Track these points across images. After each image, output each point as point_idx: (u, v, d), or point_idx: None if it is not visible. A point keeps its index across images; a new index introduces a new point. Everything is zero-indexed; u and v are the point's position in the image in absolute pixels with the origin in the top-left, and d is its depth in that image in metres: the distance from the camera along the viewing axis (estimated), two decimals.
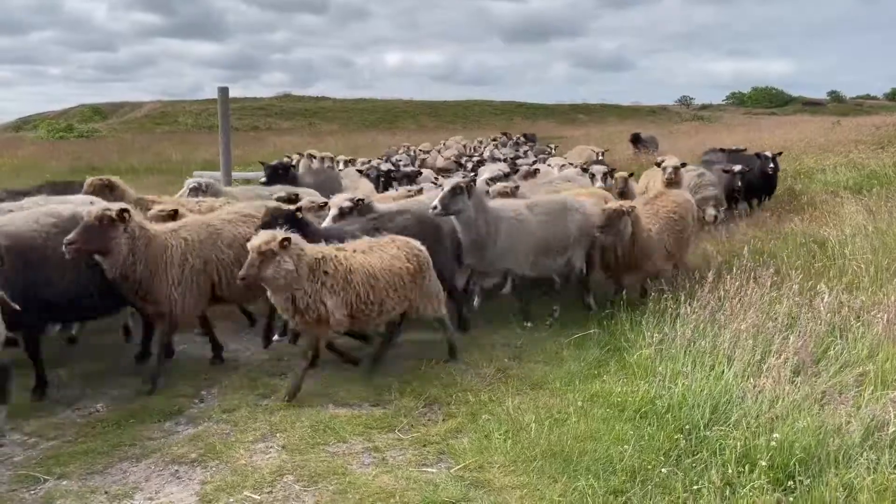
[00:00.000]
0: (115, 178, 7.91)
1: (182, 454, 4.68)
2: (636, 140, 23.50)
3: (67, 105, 56.37)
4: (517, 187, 9.04)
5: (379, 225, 6.64)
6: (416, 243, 6.06)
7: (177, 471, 4.48)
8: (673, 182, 10.00)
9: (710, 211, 10.98)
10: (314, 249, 5.47)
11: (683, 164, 10.48)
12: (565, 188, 9.45)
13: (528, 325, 7.35)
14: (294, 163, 13.25)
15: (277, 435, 4.94)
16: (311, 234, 5.99)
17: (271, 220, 5.82)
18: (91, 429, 5.07)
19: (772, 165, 12.71)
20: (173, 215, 6.54)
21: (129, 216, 5.50)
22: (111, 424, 5.12)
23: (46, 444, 4.89)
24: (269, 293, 5.41)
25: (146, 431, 5.03)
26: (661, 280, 7.67)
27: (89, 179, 7.79)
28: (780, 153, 13.40)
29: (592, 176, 10.12)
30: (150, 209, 6.80)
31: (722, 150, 14.82)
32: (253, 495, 4.15)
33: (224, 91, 11.89)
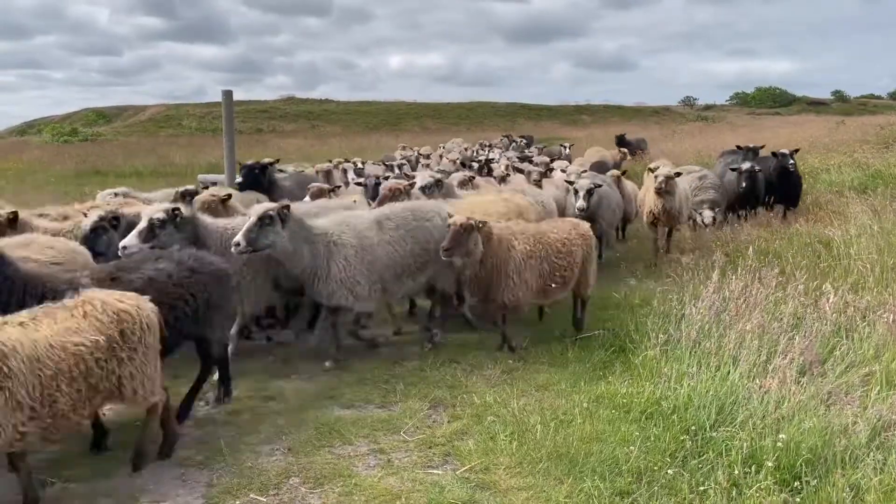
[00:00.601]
0: None
1: (188, 457, 4.69)
2: (622, 142, 22.35)
3: (71, 109, 56.80)
4: (411, 185, 8.06)
5: (118, 275, 4.70)
6: (130, 301, 4.14)
7: (183, 473, 4.48)
8: (664, 192, 9.59)
9: (707, 213, 10.84)
10: None
11: (678, 174, 10.04)
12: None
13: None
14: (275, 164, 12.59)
15: (283, 437, 4.95)
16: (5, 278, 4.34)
17: None
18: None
19: (791, 161, 11.81)
20: (13, 220, 5.85)
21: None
22: (117, 427, 5.12)
23: (52, 447, 4.88)
24: None
25: (152, 434, 5.03)
26: (664, 282, 7.67)
27: None
28: (797, 150, 12.64)
29: (576, 192, 9.10)
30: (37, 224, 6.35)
31: (739, 149, 13.89)
32: (259, 497, 4.16)
33: (228, 94, 11.90)
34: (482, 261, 6.23)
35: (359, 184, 10.81)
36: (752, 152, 13.15)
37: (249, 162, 10.18)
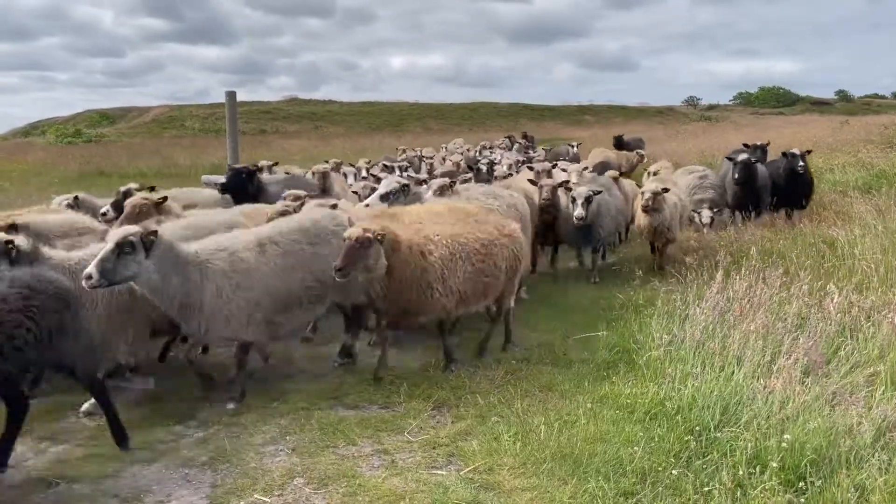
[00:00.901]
0: None
1: (192, 457, 4.70)
2: (619, 143, 22.09)
3: (75, 110, 56.84)
4: (334, 206, 6.87)
5: None
6: None
7: (187, 474, 4.49)
8: (651, 209, 9.02)
9: (706, 213, 10.70)
10: None
11: (665, 190, 9.34)
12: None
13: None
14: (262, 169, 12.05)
15: (287, 437, 4.96)
16: None
17: None
18: (102, 432, 5.06)
19: (801, 164, 11.11)
20: None
21: None
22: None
23: (57, 448, 4.91)
24: None
25: (156, 435, 5.05)
26: (667, 282, 7.66)
27: None
28: (809, 151, 11.89)
29: (573, 200, 8.83)
30: None
31: (747, 147, 13.36)
32: (263, 498, 4.17)
33: (232, 95, 11.96)
34: (391, 274, 5.56)
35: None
36: (759, 150, 12.79)
37: (238, 166, 9.69)
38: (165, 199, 6.93)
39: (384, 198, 7.74)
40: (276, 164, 15.09)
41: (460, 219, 6.56)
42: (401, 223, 6.26)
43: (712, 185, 11.35)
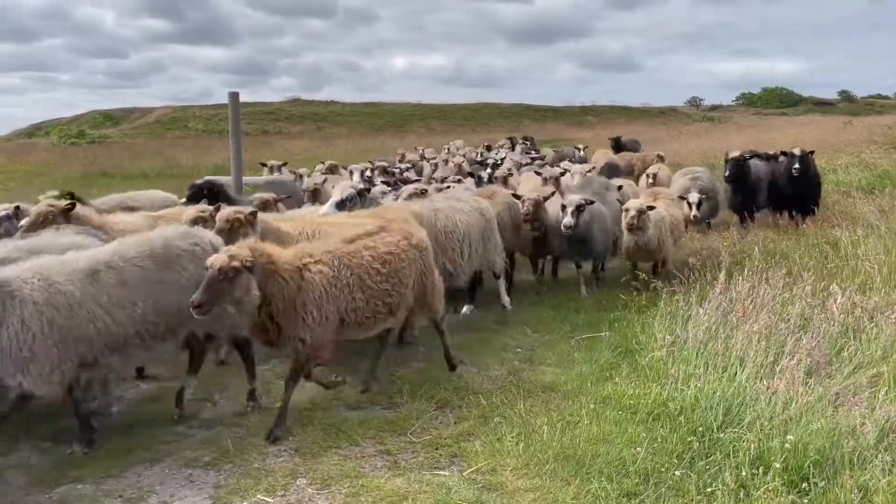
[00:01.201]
0: None
1: (195, 457, 4.71)
2: (618, 144, 21.66)
3: (78, 111, 56.97)
4: (253, 214, 5.90)
5: None
6: None
7: (190, 474, 4.50)
8: (636, 228, 8.17)
9: (694, 195, 10.23)
10: None
11: (651, 207, 8.44)
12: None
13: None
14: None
15: (290, 438, 4.96)
16: None
17: None
18: (105, 433, 5.09)
19: (796, 166, 10.57)
20: None
21: None
22: (124, 428, 5.16)
23: (60, 448, 4.92)
24: None
25: (159, 435, 5.06)
26: (671, 281, 7.65)
27: None
28: (811, 151, 11.25)
29: (563, 207, 8.17)
30: None
31: (756, 155, 12.90)
32: (266, 498, 4.17)
33: (234, 96, 11.91)
34: (267, 304, 4.71)
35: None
36: (773, 160, 12.32)
37: (199, 181, 8.76)
38: (73, 206, 6.32)
39: (340, 205, 7.18)
40: (285, 164, 15.10)
41: (363, 230, 5.64)
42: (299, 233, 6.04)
43: (703, 188, 11.22)
